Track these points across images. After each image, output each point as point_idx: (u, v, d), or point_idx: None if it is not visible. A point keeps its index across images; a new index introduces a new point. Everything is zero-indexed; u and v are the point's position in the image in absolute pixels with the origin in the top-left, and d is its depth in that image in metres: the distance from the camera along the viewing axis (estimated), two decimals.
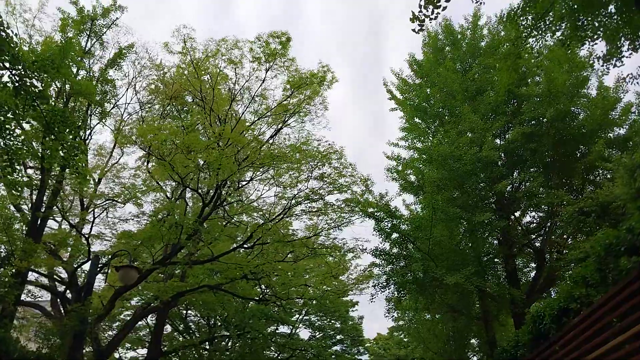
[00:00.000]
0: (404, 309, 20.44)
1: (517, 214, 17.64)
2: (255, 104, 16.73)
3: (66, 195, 16.81)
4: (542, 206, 16.53)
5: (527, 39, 9.03)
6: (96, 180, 16.97)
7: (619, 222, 10.88)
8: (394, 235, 16.47)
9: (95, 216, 16.70)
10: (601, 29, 9.17)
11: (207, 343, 24.01)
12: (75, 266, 15.40)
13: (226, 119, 15.88)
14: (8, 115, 6.94)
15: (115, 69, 16.72)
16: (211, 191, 15.66)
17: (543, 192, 15.57)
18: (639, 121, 15.25)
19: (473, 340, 21.31)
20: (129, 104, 18.62)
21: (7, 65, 6.51)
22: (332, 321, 30.75)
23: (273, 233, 15.53)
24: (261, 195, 18.06)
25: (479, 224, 15.41)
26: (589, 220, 12.77)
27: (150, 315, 21.11)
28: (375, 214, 16.04)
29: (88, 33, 15.90)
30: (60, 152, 7.61)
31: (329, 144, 15.88)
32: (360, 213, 16.25)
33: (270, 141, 16.67)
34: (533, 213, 17.82)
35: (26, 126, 11.14)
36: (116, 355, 23.11)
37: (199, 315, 25.45)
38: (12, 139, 7.21)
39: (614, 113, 15.63)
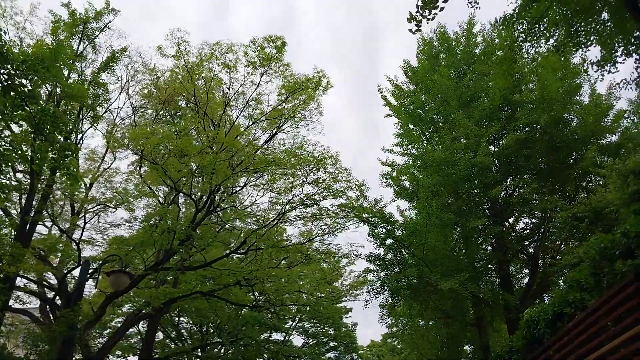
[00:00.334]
0: (398, 316, 20.37)
1: (510, 220, 17.67)
2: (250, 108, 16.67)
3: (56, 199, 16.60)
4: (536, 212, 16.58)
5: (522, 43, 9.06)
6: (87, 184, 16.78)
7: (612, 227, 10.91)
8: (389, 241, 16.42)
9: (86, 221, 16.50)
10: (595, 35, 9.23)
11: (199, 350, 23.73)
12: (65, 272, 15.17)
13: (220, 124, 15.79)
14: None
15: (108, 73, 16.58)
16: (204, 197, 15.53)
17: (537, 198, 15.61)
18: (631, 128, 15.38)
19: (467, 347, 21.25)
20: (121, 108, 18.41)
21: None
22: (326, 328, 30.59)
23: (267, 239, 15.40)
24: (255, 201, 17.99)
25: (473, 229, 15.41)
26: (582, 226, 12.82)
27: (141, 322, 20.85)
28: (370, 219, 16.00)
29: (80, 36, 15.75)
30: (51, 153, 7.47)
31: (324, 149, 15.84)
32: (355, 218, 16.20)
33: (265, 146, 16.59)
34: (527, 219, 17.89)
35: (16, 130, 11.01)
36: None
37: (191, 322, 25.19)
38: (0, 140, 7.09)
39: (606, 120, 15.76)
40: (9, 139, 7.42)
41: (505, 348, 10.57)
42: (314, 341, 30.33)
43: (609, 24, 9.55)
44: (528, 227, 17.69)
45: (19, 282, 15.06)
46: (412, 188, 18.19)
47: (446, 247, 16.63)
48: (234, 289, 17.43)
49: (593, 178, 15.62)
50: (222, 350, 25.60)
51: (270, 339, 27.83)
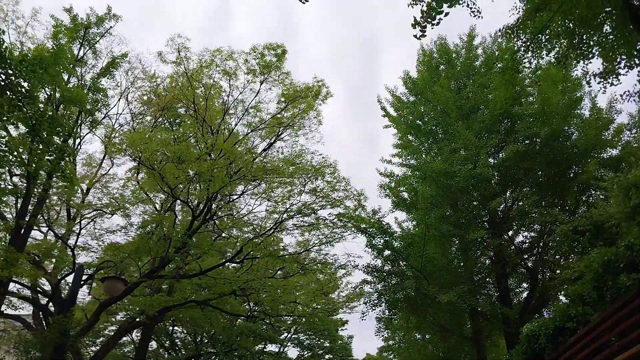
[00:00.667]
0: (395, 329, 20.16)
1: (509, 233, 17.56)
2: (249, 116, 16.60)
3: (52, 204, 16.45)
4: (535, 226, 16.48)
5: (525, 53, 9.04)
6: (84, 190, 16.64)
7: (613, 241, 10.81)
8: (387, 252, 16.28)
9: (82, 227, 16.32)
10: (597, 47, 9.21)
11: None
12: (59, 278, 14.97)
13: (219, 131, 15.71)
14: None
15: (108, 78, 16.53)
16: (201, 204, 15.39)
17: (536, 211, 15.53)
18: (632, 142, 15.36)
19: None
20: (120, 114, 18.34)
21: None
22: (321, 340, 30.29)
23: (263, 247, 15.24)
24: (252, 209, 17.81)
25: (472, 241, 15.29)
26: (582, 240, 12.71)
27: (135, 331, 20.57)
28: (368, 229, 15.87)
29: (81, 41, 15.72)
30: (47, 155, 7.35)
31: (323, 157, 15.75)
32: (353, 229, 16.07)
33: (263, 154, 16.50)
34: (526, 233, 17.79)
35: (13, 133, 10.90)
36: None
37: (185, 331, 24.91)
38: None
39: (606, 134, 15.75)
40: (4, 140, 7.31)
41: None
42: (309, 353, 30.00)
43: (611, 37, 9.55)
44: (527, 241, 17.58)
45: (13, 287, 14.85)
46: (410, 199, 18.10)
47: (444, 259, 16.51)
48: (229, 298, 17.22)
49: (593, 192, 15.55)
50: None
51: (265, 350, 27.54)
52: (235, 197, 17.78)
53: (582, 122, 15.96)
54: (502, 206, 16.46)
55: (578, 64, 9.86)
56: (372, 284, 16.82)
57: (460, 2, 8.12)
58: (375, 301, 16.47)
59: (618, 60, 8.97)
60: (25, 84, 6.50)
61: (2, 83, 6.13)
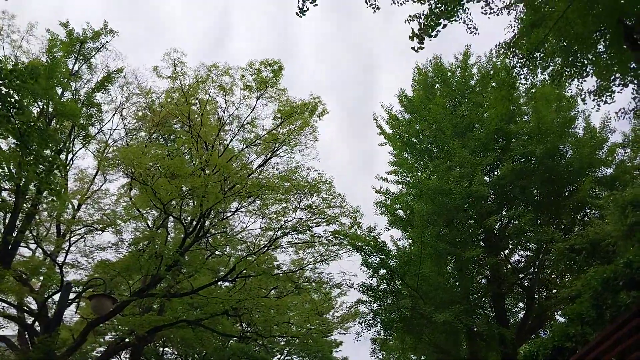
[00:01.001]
0: (390, 350, 19.79)
1: (505, 251, 17.44)
2: (245, 131, 16.54)
3: (42, 220, 16.17)
4: (531, 245, 16.38)
5: (521, 69, 9.06)
6: (75, 206, 16.39)
7: (610, 259, 10.69)
8: (382, 270, 16.08)
9: (72, 243, 16.02)
10: (592, 65, 9.26)
11: None
12: (46, 296, 14.60)
13: (214, 146, 15.60)
14: None
15: (103, 92, 16.45)
16: (194, 221, 15.17)
17: (532, 229, 15.44)
18: (626, 161, 15.41)
19: None
20: (114, 130, 18.24)
21: None
22: None
23: (257, 265, 15.00)
24: (246, 227, 17.59)
25: (468, 260, 15.14)
26: (579, 258, 12.59)
27: (123, 352, 20.05)
28: (364, 247, 15.69)
29: (76, 55, 15.68)
30: (37, 167, 7.18)
31: (319, 173, 15.64)
32: (349, 246, 15.88)
33: (259, 170, 16.37)
34: (521, 252, 17.67)
35: (4, 147, 10.74)
36: None
37: (176, 352, 24.32)
38: None
39: (600, 152, 15.80)
40: None
41: None
42: None
43: (605, 55, 9.61)
44: (523, 259, 17.45)
45: None
46: (406, 217, 17.99)
47: (440, 278, 16.32)
48: (221, 318, 16.86)
49: (589, 210, 15.52)
50: None
51: None
52: (229, 214, 17.58)
53: (577, 140, 16.02)
54: (497, 224, 16.38)
55: (572, 82, 9.89)
56: (368, 304, 16.58)
57: (457, 18, 8.14)
58: (371, 321, 16.20)
59: (612, 78, 9.00)
60: (15, 95, 6.38)
61: None
